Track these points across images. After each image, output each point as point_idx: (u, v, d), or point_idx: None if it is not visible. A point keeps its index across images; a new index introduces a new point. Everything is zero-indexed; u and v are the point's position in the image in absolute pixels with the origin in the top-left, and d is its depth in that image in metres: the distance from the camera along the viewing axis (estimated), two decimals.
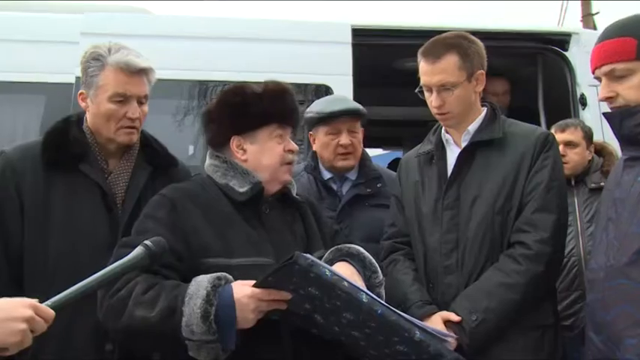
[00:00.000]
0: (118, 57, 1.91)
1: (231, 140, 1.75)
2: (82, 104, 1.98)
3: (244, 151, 1.75)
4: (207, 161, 1.80)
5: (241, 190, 1.69)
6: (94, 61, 1.93)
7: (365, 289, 1.42)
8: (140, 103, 1.95)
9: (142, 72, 1.94)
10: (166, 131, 3.40)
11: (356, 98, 2.99)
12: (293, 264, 1.31)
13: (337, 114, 2.44)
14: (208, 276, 1.48)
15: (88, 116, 1.98)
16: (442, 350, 1.51)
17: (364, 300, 1.37)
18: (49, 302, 1.18)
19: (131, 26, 3.35)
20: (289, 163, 1.76)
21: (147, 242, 1.25)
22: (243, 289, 1.46)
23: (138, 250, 1.25)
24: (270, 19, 3.67)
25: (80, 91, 1.98)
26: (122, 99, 1.91)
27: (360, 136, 2.51)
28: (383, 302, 1.45)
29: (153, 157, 2.04)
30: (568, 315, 2.82)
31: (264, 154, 1.74)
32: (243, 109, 1.72)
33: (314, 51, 3.40)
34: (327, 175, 2.55)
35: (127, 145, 1.98)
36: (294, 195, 1.83)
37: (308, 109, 2.57)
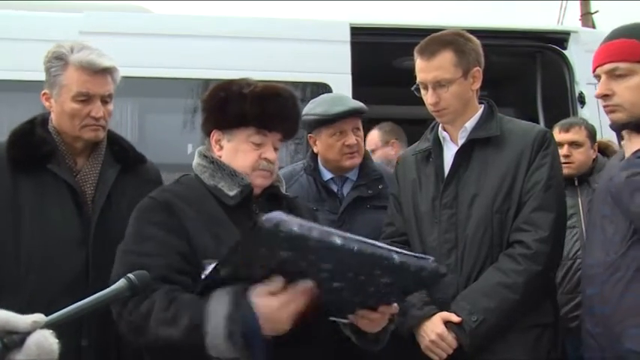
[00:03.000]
0: (80, 56, 1.90)
1: (212, 133, 1.74)
2: (46, 104, 1.98)
3: (221, 147, 1.73)
4: (195, 160, 1.77)
5: (231, 193, 1.66)
6: (57, 60, 1.92)
7: (335, 231, 1.35)
8: (104, 102, 1.95)
9: (106, 71, 1.93)
10: (166, 130, 3.41)
11: (355, 97, 2.98)
12: (259, 229, 1.24)
13: (343, 115, 2.39)
14: (227, 290, 1.43)
15: (53, 116, 1.98)
16: (422, 264, 1.46)
17: (338, 242, 1.30)
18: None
19: (131, 25, 3.34)
20: (264, 170, 1.71)
21: (130, 275, 1.24)
22: (268, 302, 1.40)
23: (120, 283, 1.24)
24: (269, 17, 3.68)
25: (43, 92, 1.97)
26: (85, 98, 1.91)
27: (362, 133, 2.48)
28: (356, 237, 1.38)
29: (120, 155, 2.04)
30: (575, 317, 2.78)
31: (237, 155, 1.70)
32: (223, 105, 1.69)
33: (313, 49, 3.40)
34: (327, 175, 2.51)
35: (93, 142, 1.98)
36: (283, 192, 1.79)
37: (305, 111, 2.52)
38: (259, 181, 1.71)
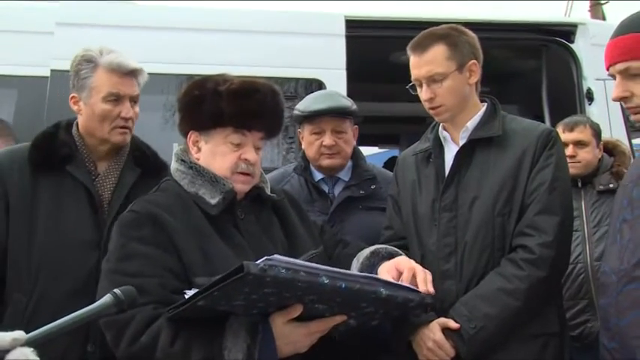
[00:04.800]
0: (110, 58, 2.05)
1: (189, 134, 1.73)
2: (74, 107, 2.11)
3: (199, 148, 1.72)
4: (173, 164, 1.75)
5: (213, 201, 1.64)
6: (87, 63, 2.06)
7: (323, 267, 1.41)
8: (133, 102, 2.09)
9: (134, 73, 2.08)
10: (149, 128, 3.38)
11: (349, 93, 2.98)
12: (246, 275, 1.28)
13: (319, 113, 2.42)
14: (243, 324, 1.45)
15: (81, 119, 2.10)
16: (409, 295, 1.54)
17: (325, 282, 1.37)
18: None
19: (111, 16, 3.33)
20: (244, 174, 1.69)
21: (116, 291, 1.27)
22: (294, 330, 1.46)
23: (106, 299, 1.26)
24: (259, 9, 3.66)
25: (72, 95, 2.10)
26: (116, 98, 2.05)
27: (347, 135, 2.48)
28: (345, 272, 1.45)
29: (142, 160, 2.15)
30: (575, 325, 2.79)
31: (215, 158, 1.69)
32: (198, 105, 1.68)
33: (305, 43, 3.39)
34: (318, 176, 2.54)
35: (119, 146, 2.10)
36: (268, 193, 1.78)
37: (297, 106, 2.56)
38: (239, 187, 1.69)
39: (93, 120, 2.05)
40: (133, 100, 2.09)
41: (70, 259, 1.95)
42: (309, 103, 2.48)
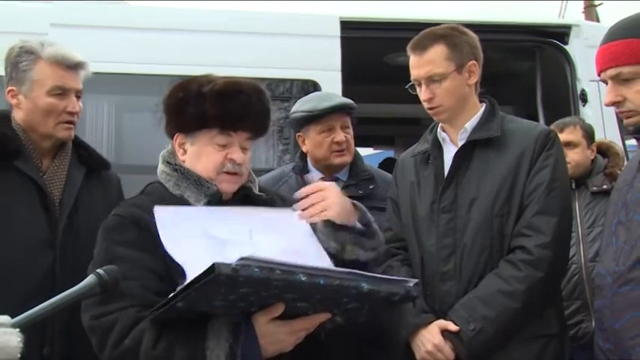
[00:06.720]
0: (53, 50, 1.97)
1: (175, 137, 1.72)
2: (13, 101, 2.01)
3: (184, 150, 1.71)
4: (159, 167, 1.74)
5: (198, 204, 1.63)
6: (27, 54, 1.97)
7: (301, 264, 1.38)
8: (77, 97, 2.01)
9: (78, 66, 2.00)
10: (144, 130, 3.38)
11: (345, 94, 2.99)
12: (217, 276, 1.27)
13: (330, 110, 2.45)
14: (225, 324, 1.44)
15: (20, 113, 2.00)
16: (393, 289, 1.50)
17: (302, 279, 1.35)
18: None
19: (106, 17, 3.32)
20: (230, 173, 1.67)
21: (99, 271, 1.27)
22: (277, 329, 1.45)
23: (89, 279, 1.27)
24: (254, 11, 3.66)
25: (9, 88, 2.00)
26: (61, 92, 1.97)
27: (352, 131, 2.53)
28: (324, 268, 1.44)
29: (85, 158, 2.09)
30: (570, 325, 2.81)
31: (200, 159, 1.67)
32: (182, 107, 1.66)
33: (300, 44, 3.39)
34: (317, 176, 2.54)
35: (63, 142, 2.03)
36: (257, 193, 1.76)
37: (294, 109, 2.57)
38: (225, 186, 1.67)
39: (35, 114, 1.96)
40: (78, 94, 2.00)
41: (25, 259, 1.87)
42: (314, 103, 2.50)
